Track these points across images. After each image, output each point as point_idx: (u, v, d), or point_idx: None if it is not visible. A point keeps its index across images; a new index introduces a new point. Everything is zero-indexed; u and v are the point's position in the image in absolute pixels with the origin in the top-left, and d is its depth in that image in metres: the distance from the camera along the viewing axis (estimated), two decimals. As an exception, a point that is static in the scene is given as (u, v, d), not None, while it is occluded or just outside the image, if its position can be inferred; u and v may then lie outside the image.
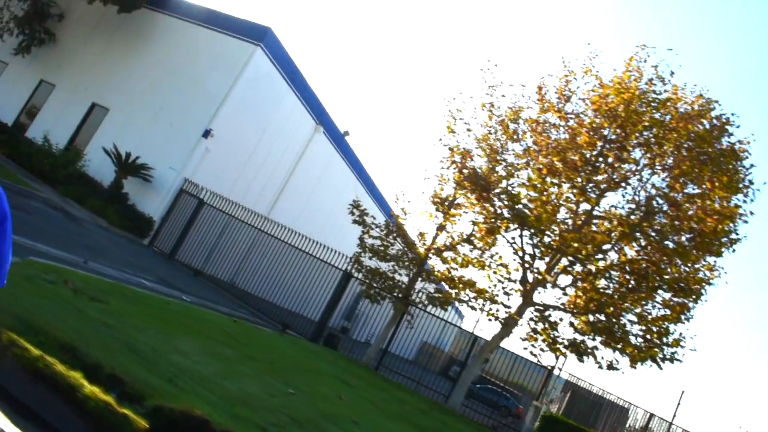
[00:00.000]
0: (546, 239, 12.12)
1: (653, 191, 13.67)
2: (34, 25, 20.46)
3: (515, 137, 14.69)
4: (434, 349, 34.31)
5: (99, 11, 20.28)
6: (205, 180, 17.95)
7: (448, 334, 28.91)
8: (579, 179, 12.33)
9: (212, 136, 17.99)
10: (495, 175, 14.65)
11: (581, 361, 12.40)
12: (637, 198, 13.72)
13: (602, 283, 13.26)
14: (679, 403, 43.23)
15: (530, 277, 13.46)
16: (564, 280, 13.51)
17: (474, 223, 13.50)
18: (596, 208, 12.86)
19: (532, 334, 12.70)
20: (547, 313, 12.78)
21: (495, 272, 14.12)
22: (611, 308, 12.37)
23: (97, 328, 4.82)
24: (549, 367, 14.62)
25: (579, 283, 13.12)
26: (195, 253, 17.19)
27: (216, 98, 18.11)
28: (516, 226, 12.62)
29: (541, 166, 12.76)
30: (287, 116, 21.07)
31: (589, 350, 12.49)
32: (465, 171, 13.57)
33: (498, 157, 14.52)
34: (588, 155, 12.34)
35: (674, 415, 43.55)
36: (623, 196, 14.00)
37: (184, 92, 18.63)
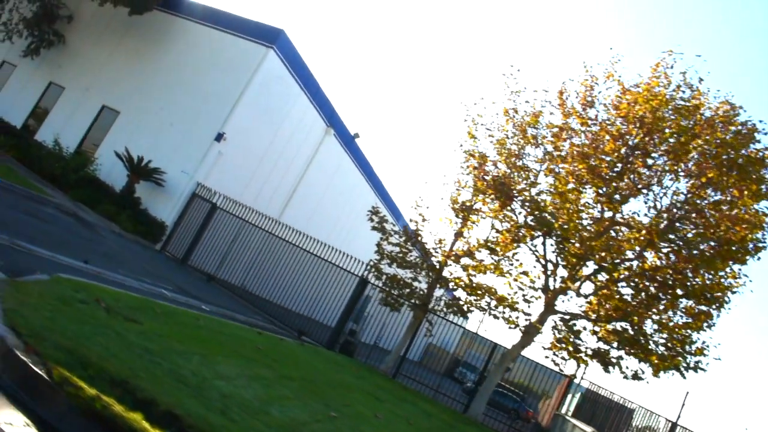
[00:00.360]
0: (571, 247, 11.88)
1: (674, 198, 13.45)
2: (43, 27, 20.22)
3: (535, 142, 14.46)
4: (439, 350, 34.09)
5: (109, 13, 20.05)
6: (217, 183, 17.74)
7: (452, 336, 28.60)
8: (604, 186, 12.10)
9: (225, 139, 17.76)
10: (516, 181, 14.42)
11: (607, 371, 12.19)
12: (658, 205, 13.49)
13: (625, 290, 13.04)
14: (683, 404, 43.02)
15: (552, 284, 13.24)
16: (586, 287, 13.30)
17: (497, 231, 13.28)
18: (617, 214, 12.62)
19: (556, 343, 12.48)
20: (571, 323, 12.56)
21: (515, 279, 13.91)
22: (636, 317, 12.15)
23: (141, 356, 4.60)
24: (570, 376, 14.40)
25: (602, 291, 12.89)
26: (208, 259, 16.97)
27: (228, 101, 17.88)
28: (539, 234, 12.39)
29: (564, 173, 12.53)
30: (299, 119, 20.85)
31: (614, 360, 12.27)
32: (487, 178, 13.34)
33: (519, 163, 14.30)
34: (612, 161, 12.10)
35: (678, 416, 43.40)
36: (645, 203, 13.78)
37: (196, 95, 18.40)
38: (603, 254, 11.52)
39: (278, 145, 20.32)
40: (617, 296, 13.02)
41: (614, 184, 12.46)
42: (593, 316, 12.94)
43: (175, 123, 18.32)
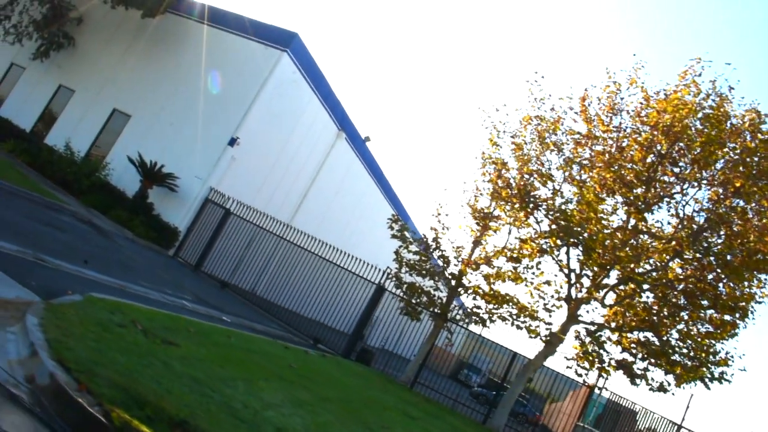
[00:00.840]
0: (597, 257, 11.67)
1: (697, 206, 13.24)
2: (52, 29, 20.00)
3: (555, 148, 14.25)
4: (443, 352, 33.87)
5: (119, 15, 19.83)
6: (230, 188, 17.53)
7: (457, 338, 28.38)
8: (631, 195, 11.90)
9: (238, 144, 17.55)
10: (534, 187, 14.22)
11: (634, 384, 11.99)
12: (680, 213, 13.27)
13: (650, 300, 12.83)
14: (688, 406, 42.84)
15: (575, 294, 13.04)
16: (610, 297, 13.09)
17: (522, 241, 13.07)
18: (641, 223, 12.40)
19: (581, 354, 12.27)
20: (597, 334, 12.35)
21: (536, 288, 13.70)
22: (662, 328, 11.96)
23: (192, 388, 4.40)
24: (591, 385, 14.20)
25: (627, 301, 12.69)
26: (221, 265, 16.76)
27: (242, 105, 17.67)
28: (563, 243, 12.17)
29: (590, 181, 12.32)
30: (311, 122, 20.64)
31: (640, 372, 12.06)
32: (510, 185, 13.13)
33: (542, 170, 14.09)
34: (640, 170, 11.89)
35: (683, 419, 43.17)
36: (667, 211, 13.55)
37: (208, 98, 18.19)
38: (631, 266, 11.31)
39: (290, 149, 20.12)
40: (642, 306, 12.82)
41: (639, 192, 12.25)
42: (617, 326, 12.73)
43: (187, 127, 18.10)
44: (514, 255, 14.35)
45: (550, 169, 13.32)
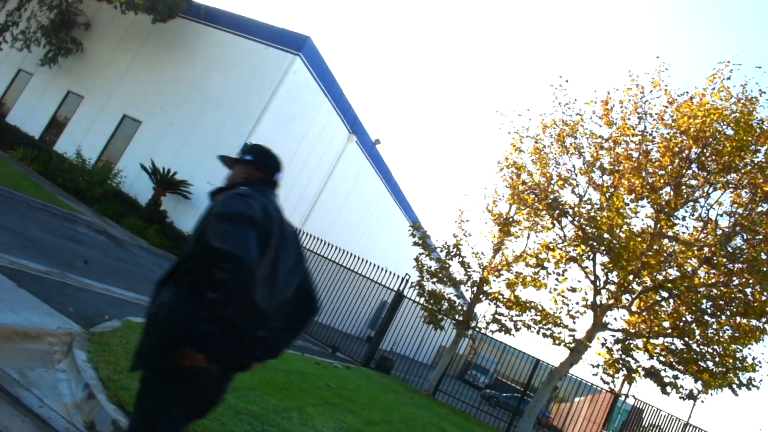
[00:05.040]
0: (626, 264, 11.46)
1: (720, 209, 13.02)
2: (60, 35, 19.76)
3: (577, 151, 14.03)
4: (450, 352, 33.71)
5: (128, 19, 19.58)
6: (243, 195, 17.29)
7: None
8: (662, 201, 11.67)
9: (252, 149, 17.30)
10: (552, 190, 14.02)
11: (665, 393, 11.78)
12: (703, 216, 13.04)
13: (675, 306, 12.62)
14: (694, 404, 42.62)
15: (600, 300, 12.83)
16: (638, 303, 12.87)
17: (548, 248, 12.85)
18: (670, 230, 12.18)
19: (611, 362, 12.08)
20: (627, 342, 12.14)
21: (560, 293, 13.50)
22: (692, 335, 11.76)
23: (253, 425, 4.21)
24: (616, 392, 14.00)
25: (655, 308, 12.48)
26: (237, 273, 16.52)
27: (255, 110, 17.45)
28: (591, 249, 11.96)
29: (620, 187, 12.09)
30: (322, 126, 20.42)
31: (671, 381, 11.85)
32: (537, 192, 12.91)
33: (563, 173, 13.88)
34: (669, 175, 11.66)
35: (690, 416, 43.01)
36: (691, 215, 13.32)
37: (221, 104, 17.96)
38: (663, 273, 11.10)
39: (303, 153, 19.90)
40: (669, 312, 12.62)
41: (668, 197, 12.03)
42: (644, 333, 12.53)
43: (199, 132, 17.87)
44: (540, 262, 14.15)
45: (576, 174, 13.09)
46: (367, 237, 26.34)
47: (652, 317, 12.71)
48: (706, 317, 12.17)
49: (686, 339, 12.61)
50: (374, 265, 15.62)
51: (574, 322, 13.45)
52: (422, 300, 14.02)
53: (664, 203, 11.65)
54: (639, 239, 11.71)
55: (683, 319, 12.16)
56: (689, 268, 11.70)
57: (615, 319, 13.39)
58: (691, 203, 13.03)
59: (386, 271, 15.49)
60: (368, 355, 15.14)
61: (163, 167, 16.80)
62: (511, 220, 13.95)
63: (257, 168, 2.51)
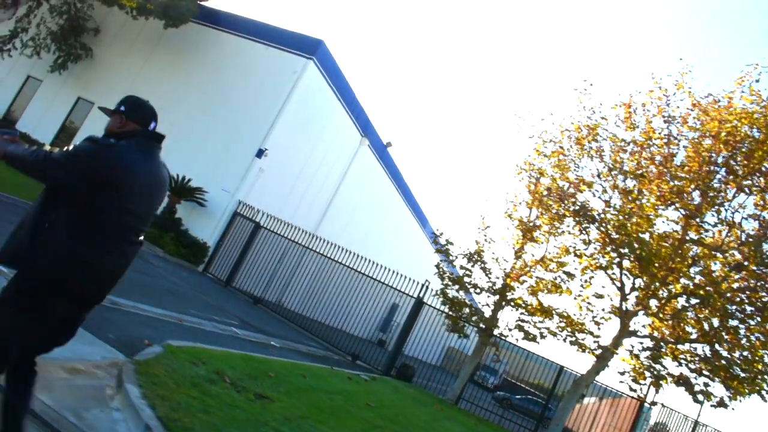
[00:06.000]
0: (656, 270, 11.26)
1: (743, 212, 12.79)
2: (70, 41, 19.56)
3: (598, 155, 13.83)
4: (458, 353, 33.45)
5: (138, 24, 19.36)
6: (256, 200, 17.10)
7: (471, 338, 28.38)
8: (693, 207, 11.46)
9: (266, 155, 17.12)
10: (568, 194, 13.85)
11: (697, 401, 11.58)
12: (727, 220, 12.81)
13: (702, 311, 12.41)
14: (702, 403, 42.33)
15: (627, 306, 12.63)
16: (665, 309, 12.66)
17: (576, 254, 12.66)
18: (699, 235, 11.96)
19: (638, 370, 11.88)
20: (657, 349, 11.94)
21: (584, 299, 13.31)
22: (722, 341, 11.55)
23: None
24: (640, 398, 13.80)
25: (683, 314, 12.28)
26: (252, 280, 16.35)
27: (269, 115, 17.23)
28: (617, 257, 11.75)
29: (648, 193, 11.90)
30: (335, 130, 20.22)
31: (702, 389, 11.63)
32: (563, 199, 12.70)
33: (584, 177, 13.69)
34: (698, 181, 11.45)
35: (698, 414, 42.75)
36: (716, 218, 13.10)
37: (233, 109, 17.76)
38: (697, 281, 10.90)
39: (316, 158, 19.70)
40: (697, 318, 12.41)
41: (696, 202, 11.82)
42: (672, 339, 12.33)
43: (213, 138, 17.66)
44: (560, 266, 13.97)
45: (599, 175, 12.87)
46: (378, 240, 26.14)
47: (678, 323, 12.50)
48: (734, 322, 11.97)
49: (715, 345, 12.40)
50: (392, 271, 15.43)
51: (598, 329, 13.26)
52: (445, 308, 13.81)
53: (694, 209, 11.44)
54: (666, 245, 11.50)
55: (711, 324, 11.96)
56: (718, 273, 11.49)
57: (643, 326, 13.20)
58: (716, 207, 12.82)
59: (405, 277, 15.30)
60: (389, 362, 14.96)
61: (177, 174, 16.59)
62: (532, 225, 13.76)
63: (129, 118, 2.71)
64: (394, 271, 15.48)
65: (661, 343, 12.06)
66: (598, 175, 13.30)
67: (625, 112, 13.46)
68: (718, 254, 11.31)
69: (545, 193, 13.40)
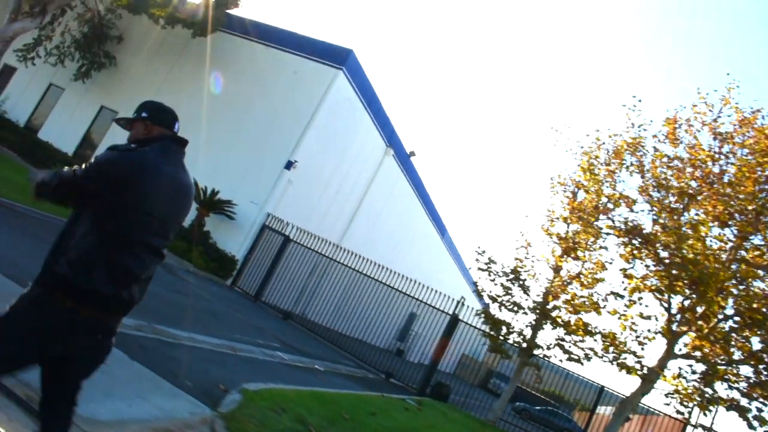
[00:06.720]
0: (712, 294, 10.91)
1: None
2: (94, 49, 19.30)
3: (639, 170, 13.49)
4: (472, 360, 33.06)
5: (163, 32, 19.10)
6: (284, 212, 16.80)
7: (483, 345, 28.15)
8: (750, 228, 11.11)
9: (295, 167, 16.82)
10: (604, 208, 13.54)
11: (752, 428, 11.21)
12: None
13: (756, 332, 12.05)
14: (716, 411, 41.91)
15: (674, 327, 12.28)
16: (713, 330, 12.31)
17: (627, 276, 12.31)
18: (757, 257, 11.59)
19: (687, 392, 11.54)
20: (709, 372, 11.60)
21: (626, 318, 12.96)
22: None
23: None
24: (684, 419, 13.44)
25: (733, 336, 11.93)
26: (282, 294, 16.06)
27: (298, 126, 16.93)
28: (673, 280, 11.39)
29: (704, 214, 11.56)
30: (362, 140, 19.92)
31: (756, 415, 11.26)
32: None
33: (621, 193, 13.35)
34: (756, 201, 11.10)
35: (712, 422, 42.32)
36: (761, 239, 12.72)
37: (261, 120, 17.47)
38: (754, 305, 10.56)
39: (342, 168, 19.40)
40: (743, 341, 12.06)
41: (746, 221, 11.47)
42: (722, 361, 11.97)
43: (240, 149, 17.36)
44: (594, 282, 13.66)
45: (644, 191, 12.51)
46: (399, 249, 25.83)
47: (727, 345, 12.14)
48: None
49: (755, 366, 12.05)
50: (425, 286, 15.13)
51: (642, 349, 12.91)
52: (486, 327, 13.49)
53: (752, 230, 11.10)
54: (721, 266, 11.16)
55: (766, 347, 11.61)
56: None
57: (685, 345, 12.83)
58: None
59: (438, 292, 15.00)
60: (423, 380, 14.63)
61: (205, 186, 16.31)
62: (576, 242, 13.42)
63: (154, 123, 2.65)
64: (426, 286, 15.18)
65: (711, 366, 11.71)
66: (644, 192, 12.96)
67: (670, 128, 13.13)
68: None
69: (587, 209, 13.08)
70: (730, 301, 11.76)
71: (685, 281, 11.08)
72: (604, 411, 21.68)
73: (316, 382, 8.60)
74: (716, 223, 11.42)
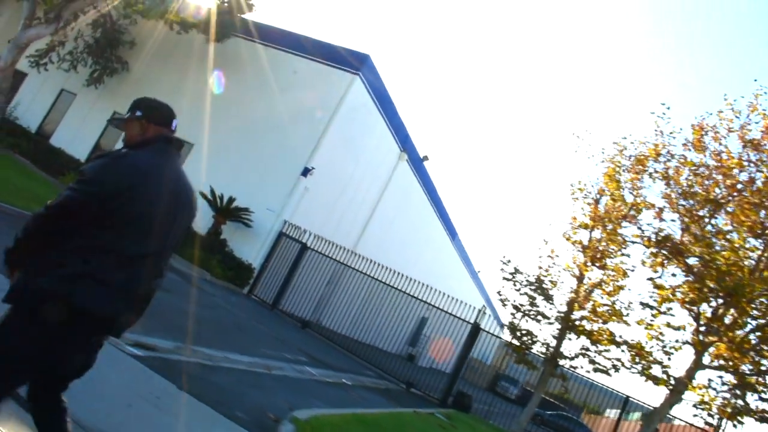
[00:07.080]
0: (745, 304, 10.75)
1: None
2: (106, 54, 19.13)
3: (663, 178, 13.30)
4: (480, 363, 32.87)
5: (175, 38, 18.90)
6: (301, 220, 16.61)
7: (490, 347, 27.99)
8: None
9: (312, 174, 16.64)
10: (624, 214, 13.37)
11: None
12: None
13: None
14: (727, 419, 41.78)
15: (703, 338, 12.09)
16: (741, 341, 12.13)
17: (658, 287, 12.12)
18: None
19: (722, 407, 11.36)
20: (742, 384, 11.42)
21: (653, 328, 12.76)
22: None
23: None
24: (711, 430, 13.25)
25: (762, 346, 11.74)
26: (300, 303, 15.90)
27: (314, 132, 16.75)
28: (706, 292, 11.21)
29: (737, 224, 11.38)
30: (377, 145, 19.76)
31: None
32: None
33: (646, 201, 13.19)
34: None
35: (723, 428, 42.04)
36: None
37: (278, 126, 17.27)
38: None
39: (358, 174, 19.23)
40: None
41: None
42: (751, 371, 11.78)
43: (256, 156, 17.18)
44: (616, 290, 13.48)
45: (678, 206, 12.32)
46: (411, 253, 25.65)
47: (756, 355, 11.96)
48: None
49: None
50: (444, 294, 14.99)
51: (669, 359, 12.72)
52: (512, 338, 13.32)
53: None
54: (753, 276, 10.99)
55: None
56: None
57: (711, 355, 12.64)
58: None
59: (459, 301, 14.85)
60: (445, 390, 14.47)
61: (221, 194, 16.14)
62: (599, 250, 13.23)
63: (150, 121, 2.47)
64: (443, 293, 15.04)
65: (743, 377, 11.52)
66: (668, 199, 12.77)
67: (696, 135, 12.93)
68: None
69: (613, 216, 12.89)
70: (756, 312, 11.58)
71: (720, 293, 10.90)
72: (614, 414, 21.51)
73: (351, 400, 8.46)
74: (749, 234, 11.23)
